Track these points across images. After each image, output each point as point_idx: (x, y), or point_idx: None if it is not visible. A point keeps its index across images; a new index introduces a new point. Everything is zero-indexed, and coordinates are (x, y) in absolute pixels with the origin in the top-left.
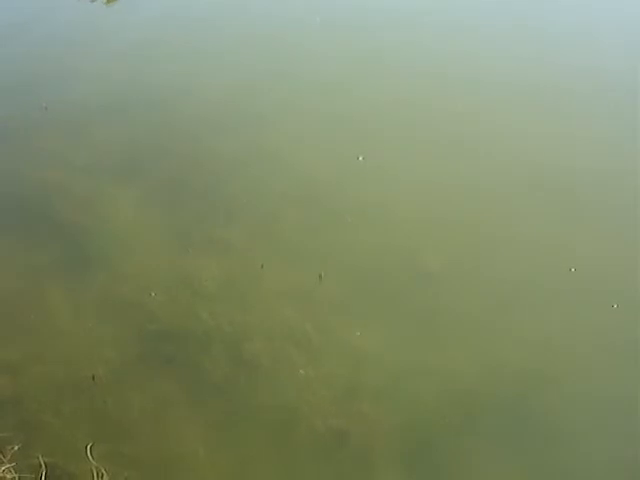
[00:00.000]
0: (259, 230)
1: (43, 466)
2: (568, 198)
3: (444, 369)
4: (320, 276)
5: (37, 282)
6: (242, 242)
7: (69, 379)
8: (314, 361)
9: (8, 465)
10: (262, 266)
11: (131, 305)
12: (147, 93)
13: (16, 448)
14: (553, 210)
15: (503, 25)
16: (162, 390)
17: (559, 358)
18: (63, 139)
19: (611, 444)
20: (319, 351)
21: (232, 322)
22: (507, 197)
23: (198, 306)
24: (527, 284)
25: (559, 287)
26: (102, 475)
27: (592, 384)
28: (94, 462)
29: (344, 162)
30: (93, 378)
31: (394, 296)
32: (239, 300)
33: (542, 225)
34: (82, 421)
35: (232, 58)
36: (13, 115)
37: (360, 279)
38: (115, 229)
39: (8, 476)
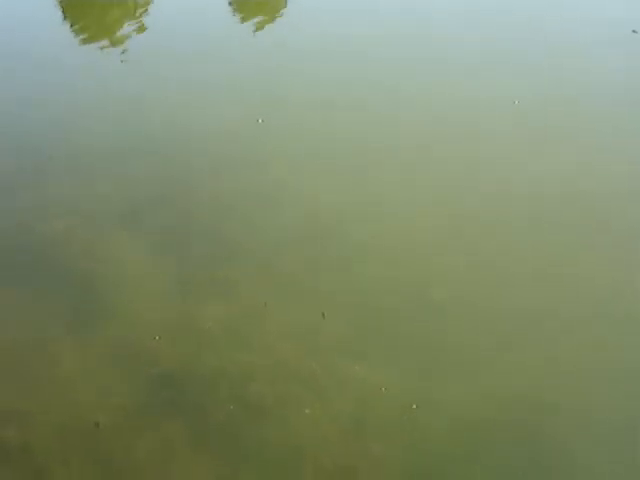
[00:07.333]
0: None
1: None
2: (575, 224)
3: (452, 403)
4: (323, 314)
5: (42, 330)
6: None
7: (74, 427)
8: (320, 399)
9: None
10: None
11: (135, 350)
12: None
13: None
14: (558, 239)
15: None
16: (167, 434)
17: (567, 390)
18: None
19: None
20: (325, 389)
21: (237, 362)
22: (511, 226)
23: (202, 348)
24: (534, 316)
25: (567, 317)
26: None
27: (602, 416)
28: None
29: (343, 195)
30: (97, 425)
31: (399, 331)
32: (243, 340)
33: (548, 255)
34: (87, 468)
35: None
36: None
37: (364, 315)
38: (118, 275)
39: None
